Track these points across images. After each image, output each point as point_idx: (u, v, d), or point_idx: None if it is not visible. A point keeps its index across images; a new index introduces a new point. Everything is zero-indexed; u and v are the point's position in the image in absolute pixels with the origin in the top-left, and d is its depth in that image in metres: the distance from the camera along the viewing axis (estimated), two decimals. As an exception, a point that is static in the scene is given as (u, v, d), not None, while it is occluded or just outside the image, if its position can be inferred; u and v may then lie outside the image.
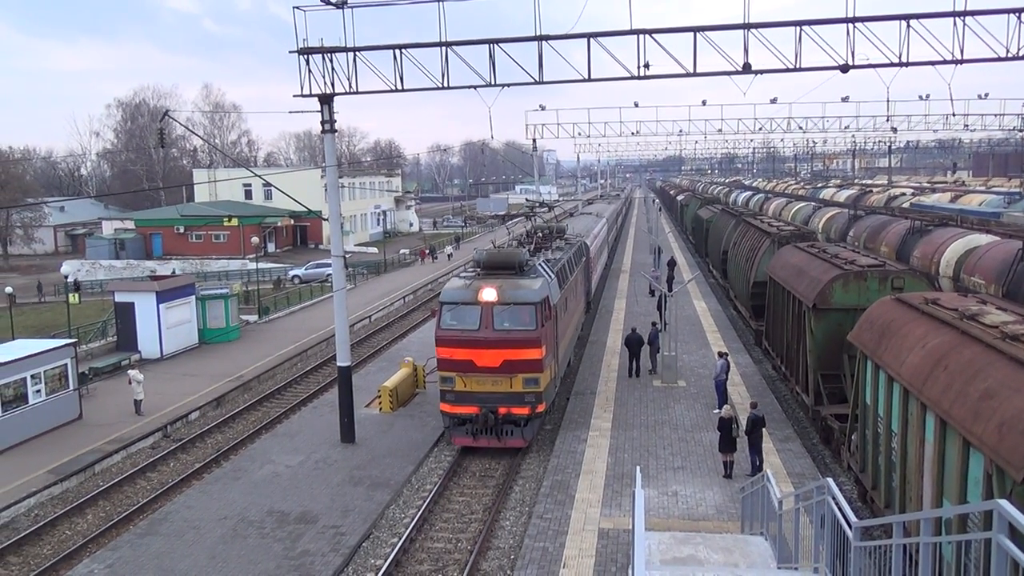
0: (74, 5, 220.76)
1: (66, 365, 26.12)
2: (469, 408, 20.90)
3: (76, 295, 43.35)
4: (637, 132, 70.12)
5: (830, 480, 10.33)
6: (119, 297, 35.78)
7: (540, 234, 31.79)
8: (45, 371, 25.18)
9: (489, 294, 20.82)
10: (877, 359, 15.05)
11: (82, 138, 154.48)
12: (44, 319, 47.76)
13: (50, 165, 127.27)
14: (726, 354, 25.93)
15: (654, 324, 30.22)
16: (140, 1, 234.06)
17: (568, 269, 28.34)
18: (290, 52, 22.05)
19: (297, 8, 21.53)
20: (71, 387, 26.28)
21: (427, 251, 75.10)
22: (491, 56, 21.41)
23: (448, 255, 74.94)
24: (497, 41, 21.35)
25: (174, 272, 59.13)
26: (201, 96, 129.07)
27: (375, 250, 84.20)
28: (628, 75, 21.29)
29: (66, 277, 43.45)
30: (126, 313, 35.04)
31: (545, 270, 23.61)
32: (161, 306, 34.69)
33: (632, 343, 28.59)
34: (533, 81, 21.60)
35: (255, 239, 60.84)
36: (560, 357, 24.28)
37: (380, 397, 26.41)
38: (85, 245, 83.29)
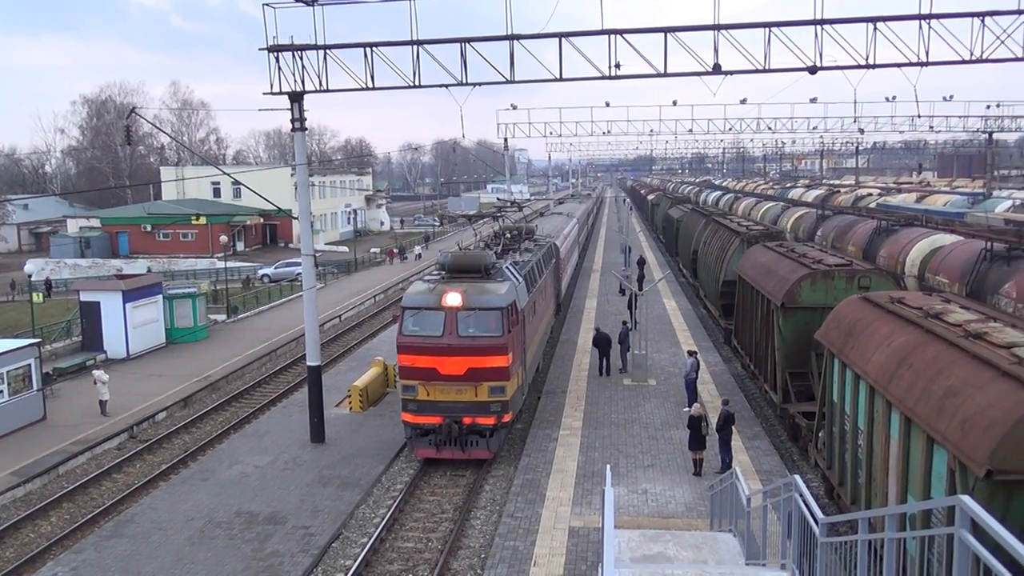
0: (39, 0, 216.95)
1: (30, 365, 25.67)
2: (432, 418, 20.04)
3: (40, 295, 42.59)
4: (608, 132, 70.34)
5: (797, 477, 10.43)
6: (84, 296, 35.24)
7: (508, 235, 31.18)
8: (8, 371, 24.74)
9: (453, 299, 19.99)
10: (844, 357, 15.22)
11: (47, 135, 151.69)
12: (7, 318, 46.88)
13: (13, 162, 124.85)
14: (696, 353, 26.09)
15: (624, 323, 30.34)
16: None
17: (537, 271, 27.52)
18: (260, 49, 21.86)
19: (267, 5, 21.35)
20: (35, 387, 25.84)
21: (396, 251, 73.98)
22: (463, 55, 21.37)
23: (417, 255, 73.81)
24: (469, 40, 21.31)
25: (149, 270, 58.43)
26: (169, 93, 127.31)
27: (345, 249, 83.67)
28: (599, 75, 21.36)
29: (30, 276, 42.64)
30: (91, 312, 34.53)
31: (512, 273, 22.73)
32: (127, 305, 34.22)
33: (600, 343, 28.71)
34: (505, 80, 21.59)
35: (224, 238, 60.15)
36: (528, 364, 23.47)
37: (350, 397, 26.26)
38: (49, 243, 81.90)
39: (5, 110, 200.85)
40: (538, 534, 16.45)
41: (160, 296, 36.74)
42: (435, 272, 22.47)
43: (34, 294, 39.73)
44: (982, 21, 19.89)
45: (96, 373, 27.17)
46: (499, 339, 19.84)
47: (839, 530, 10.27)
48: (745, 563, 12.10)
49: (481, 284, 20.80)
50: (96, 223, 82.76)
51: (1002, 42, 19.95)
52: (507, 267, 22.97)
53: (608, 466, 15.30)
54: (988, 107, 69.90)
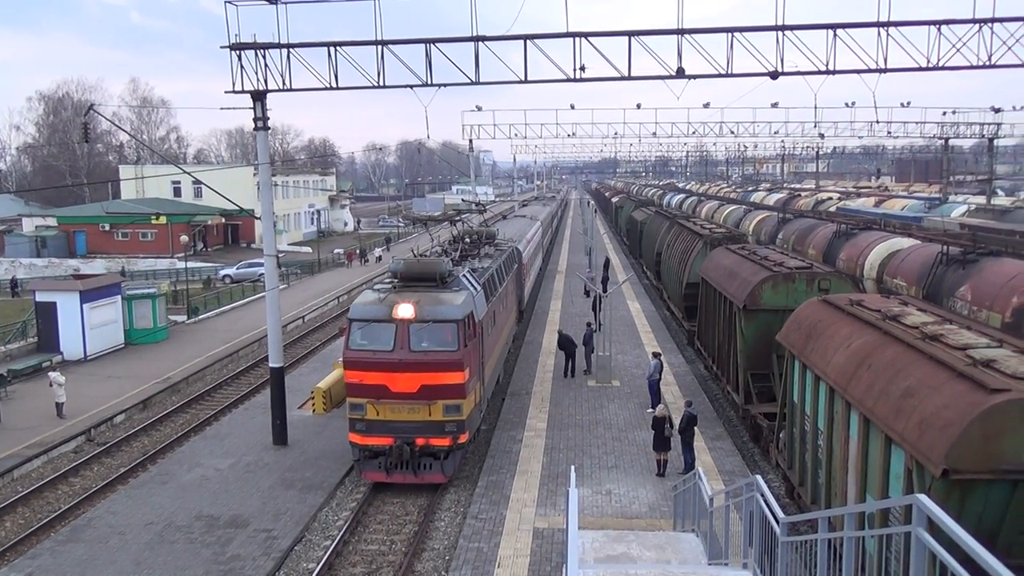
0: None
1: (-18, 367, 25.09)
2: (382, 439, 18.50)
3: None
4: (573, 134, 70.61)
5: (759, 477, 10.53)
6: (40, 296, 34.53)
7: (468, 240, 29.90)
8: (-41, 373, 24.16)
9: (405, 310, 18.44)
10: (804, 359, 15.41)
11: (1, 131, 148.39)
12: (-41, 319, 45.76)
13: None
14: (659, 354, 26.28)
15: (589, 324, 30.46)
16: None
17: (497, 278, 26.18)
18: (222, 47, 21.59)
19: (229, 2, 21.11)
20: (-12, 390, 25.26)
21: (355, 253, 72.50)
22: (428, 56, 21.31)
23: (378, 257, 71.86)
24: (434, 41, 21.26)
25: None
26: (128, 90, 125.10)
27: (309, 250, 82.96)
28: (564, 77, 21.41)
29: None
30: (47, 313, 33.83)
31: (470, 282, 21.33)
32: (85, 306, 33.59)
33: (564, 344, 28.79)
34: (470, 82, 21.57)
35: (184, 237, 59.34)
36: (487, 378, 22.06)
37: (313, 398, 25.93)
38: (4, 243, 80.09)
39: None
40: (502, 536, 16.44)
41: (119, 297, 36.13)
42: (387, 280, 20.86)
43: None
44: (939, 30, 20.29)
45: (52, 375, 26.62)
46: (455, 354, 18.37)
47: (799, 529, 10.40)
48: (708, 563, 12.20)
49: (436, 294, 19.33)
50: (52, 222, 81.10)
51: (958, 50, 20.37)
52: (464, 275, 21.52)
53: (572, 467, 15.37)
54: (944, 114, 71.37)
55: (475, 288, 21.21)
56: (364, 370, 18.55)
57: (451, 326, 18.52)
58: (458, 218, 32.36)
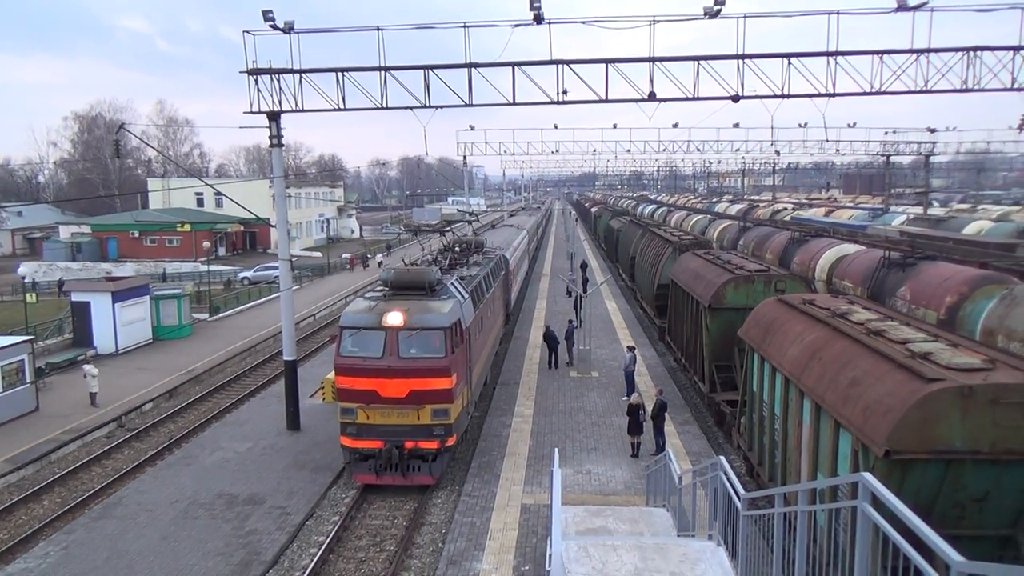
0: (29, 21, 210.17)
1: (23, 360, 24.88)
2: (372, 442, 17.54)
3: (33, 295, 41.29)
4: (556, 151, 70.64)
5: (722, 458, 10.57)
6: (75, 296, 34.28)
7: (458, 248, 28.68)
8: (2, 366, 23.95)
9: (394, 318, 17.41)
10: (763, 352, 15.47)
11: (40, 148, 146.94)
12: (1, 317, 45.34)
13: (8, 172, 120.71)
14: (634, 348, 26.31)
15: (570, 321, 30.49)
16: (95, 19, 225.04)
17: (485, 285, 24.99)
18: (240, 72, 21.50)
19: (247, 32, 21.06)
20: (28, 381, 25.05)
21: (357, 259, 70.73)
22: (426, 80, 21.29)
23: (379, 263, 69.21)
24: (431, 67, 21.24)
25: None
26: (156, 110, 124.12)
27: (319, 254, 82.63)
28: (548, 100, 21.45)
29: (23, 278, 41.37)
30: (82, 311, 33.61)
31: (458, 290, 20.29)
32: (116, 305, 33.40)
33: (549, 339, 28.81)
34: (464, 104, 21.56)
35: (207, 243, 59.07)
36: (474, 382, 21.06)
37: (323, 388, 25.82)
38: (42, 248, 79.46)
39: (0, 124, 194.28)
40: (493, 511, 16.43)
41: (147, 297, 35.92)
42: (378, 288, 19.98)
43: (27, 295, 38.56)
44: (881, 59, 20.45)
45: (86, 367, 26.44)
46: (442, 360, 17.30)
47: (758, 504, 10.43)
48: (677, 535, 12.24)
49: (424, 302, 18.33)
50: (87, 229, 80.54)
51: (897, 77, 20.54)
52: (452, 283, 20.45)
53: (556, 449, 15.38)
54: (886, 133, 71.84)
55: (462, 296, 20.21)
56: (355, 376, 17.43)
57: (439, 333, 17.45)
58: (447, 228, 30.87)
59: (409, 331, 17.39)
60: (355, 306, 18.59)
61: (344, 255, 76.77)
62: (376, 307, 18.05)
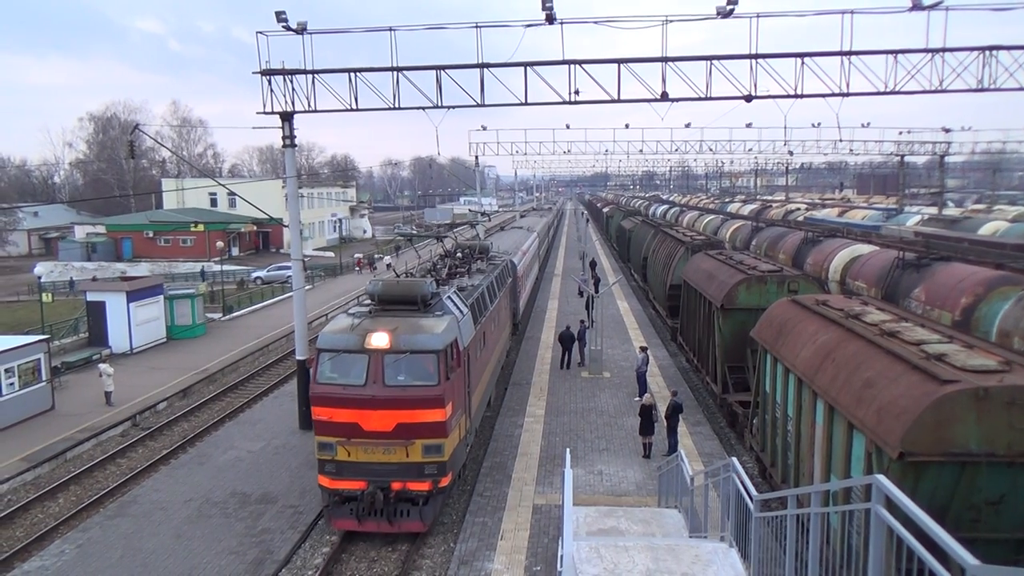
0: (44, 23, 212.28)
1: (39, 359, 25.11)
2: (354, 483, 15.04)
3: (49, 294, 41.67)
4: (568, 151, 70.65)
5: (734, 459, 10.53)
6: (91, 296, 34.56)
7: (460, 254, 26.60)
8: (18, 365, 24.17)
9: (379, 339, 15.00)
10: (775, 353, 15.40)
11: (55, 148, 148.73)
12: (18, 316, 45.77)
13: (24, 173, 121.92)
14: (646, 348, 26.26)
15: (582, 322, 30.47)
16: (108, 21, 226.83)
17: (488, 296, 22.78)
18: (253, 73, 21.62)
19: (260, 33, 21.18)
20: (43, 380, 25.28)
21: (364, 260, 68.07)
22: (438, 80, 21.34)
23: (387, 264, 64.27)
24: (444, 67, 21.28)
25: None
26: (170, 111, 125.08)
27: (331, 254, 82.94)
28: (560, 100, 21.45)
29: (39, 278, 41.77)
30: (97, 311, 33.89)
31: (455, 304, 17.94)
32: (131, 304, 33.66)
33: (564, 339, 28.79)
34: (476, 104, 21.59)
35: (220, 243, 59.38)
36: (474, 410, 18.76)
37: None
38: (58, 248, 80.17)
39: (16, 125, 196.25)
40: (505, 511, 16.44)
41: (161, 296, 36.18)
42: (364, 302, 17.63)
43: (43, 294, 38.89)
44: (895, 58, 20.32)
45: (101, 366, 26.65)
46: (435, 388, 14.94)
47: (771, 506, 10.40)
48: (689, 536, 12.21)
49: (416, 320, 15.92)
50: (101, 229, 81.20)
51: (912, 76, 20.41)
52: (450, 296, 18.11)
53: (567, 450, 15.34)
54: (900, 133, 71.36)
55: (461, 311, 17.88)
56: (334, 406, 15.05)
57: (430, 357, 15.08)
58: (445, 234, 27.68)
59: (396, 354, 14.99)
60: (335, 324, 16.20)
61: (356, 254, 76.86)
62: (359, 326, 15.57)
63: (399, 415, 14.86)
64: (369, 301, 17.17)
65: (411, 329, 15.44)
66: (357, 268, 66.94)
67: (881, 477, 6.06)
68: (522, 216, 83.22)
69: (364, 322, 15.75)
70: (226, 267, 59.16)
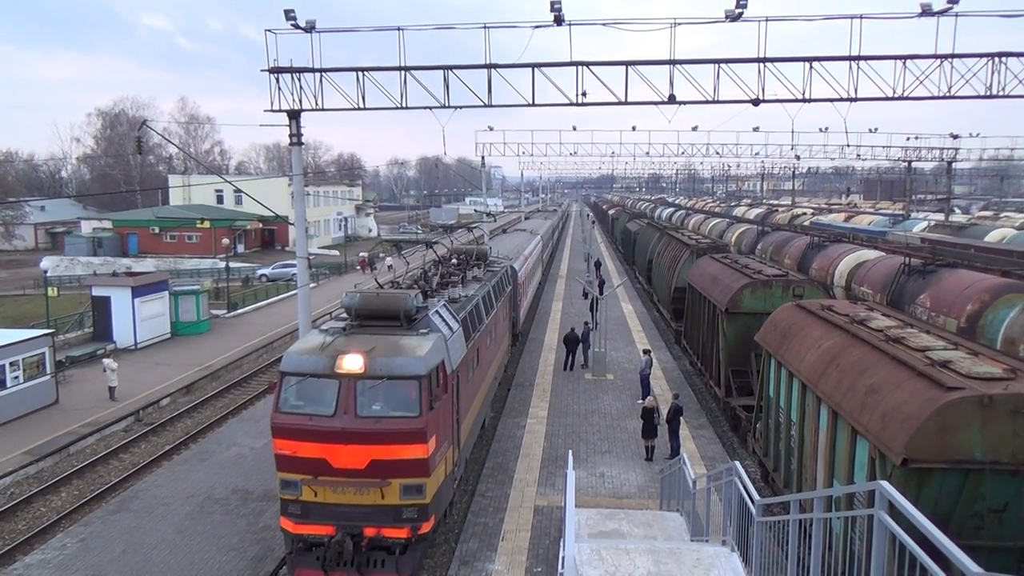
0: (52, 18, 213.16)
1: (43, 353, 25.21)
2: (321, 527, 12.94)
3: (55, 289, 41.81)
4: (575, 153, 70.63)
5: (737, 463, 10.51)
6: (96, 291, 34.67)
7: (455, 260, 24.60)
8: (23, 359, 24.28)
9: (352, 362, 12.95)
10: (780, 357, 15.37)
11: (63, 143, 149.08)
12: (24, 310, 45.96)
13: (31, 167, 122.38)
14: (650, 351, 26.24)
15: (586, 324, 30.45)
16: (116, 17, 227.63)
17: (485, 306, 20.87)
18: (261, 71, 21.67)
19: (269, 31, 21.22)
20: (48, 374, 25.37)
21: (366, 261, 64.22)
22: (445, 80, 21.36)
23: (388, 266, 59.32)
24: (451, 67, 21.31)
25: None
26: (177, 108, 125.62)
27: (336, 253, 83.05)
28: (568, 102, 21.44)
29: (45, 272, 41.95)
30: (102, 306, 34.01)
31: (444, 319, 15.77)
32: (136, 300, 33.77)
33: (569, 341, 28.77)
34: (483, 104, 21.61)
35: (225, 240, 59.49)
36: (464, 440, 16.53)
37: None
38: (64, 242, 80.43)
39: (24, 119, 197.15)
40: (506, 512, 16.43)
41: (166, 292, 36.28)
42: (341, 317, 15.55)
43: (49, 288, 39.04)
44: (904, 64, 20.28)
45: (106, 361, 26.74)
46: (416, 420, 12.89)
47: (773, 511, 10.37)
48: (690, 539, 12.18)
49: (396, 339, 13.83)
50: (108, 225, 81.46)
51: (921, 82, 20.36)
52: (438, 311, 15.80)
53: (570, 451, 15.35)
54: (908, 139, 71.13)
55: (450, 327, 15.81)
56: (298, 439, 13.02)
57: (411, 384, 13.02)
58: (436, 240, 24.89)
59: (372, 380, 12.93)
60: (303, 343, 14.16)
61: (361, 253, 76.70)
62: (329, 346, 13.47)
63: (374, 450, 12.79)
64: (345, 316, 15.13)
65: (390, 350, 13.37)
66: (359, 268, 64.17)
67: (884, 483, 6.04)
68: (526, 218, 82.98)
69: (337, 341, 13.67)
70: (232, 264, 59.23)
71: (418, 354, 13.32)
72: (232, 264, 58.91)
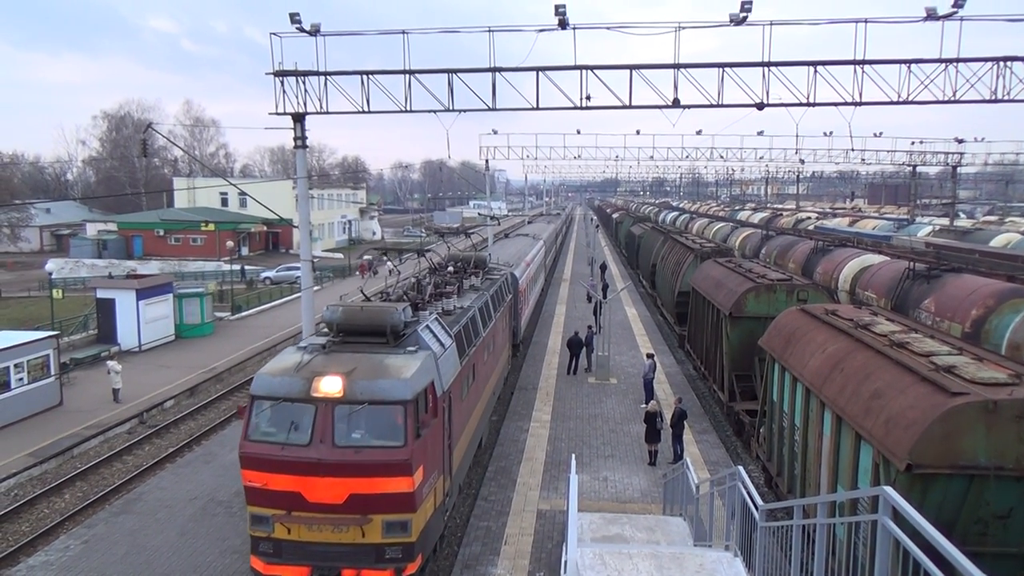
0: (58, 21, 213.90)
1: (48, 355, 25.27)
2: (295, 568, 11.87)
3: (60, 291, 41.91)
4: (579, 156, 70.48)
5: (740, 468, 10.48)
6: (100, 293, 34.77)
7: (452, 268, 23.10)
8: (28, 360, 24.33)
9: (330, 385, 11.76)
10: (783, 362, 15.34)
11: (69, 146, 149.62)
12: (28, 312, 46.07)
13: (37, 170, 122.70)
14: (653, 355, 26.21)
15: (590, 327, 30.43)
16: (122, 20, 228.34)
17: (482, 319, 19.67)
18: (266, 74, 21.73)
19: (274, 34, 21.29)
20: (52, 375, 25.42)
21: (367, 266, 61.79)
22: (450, 84, 21.42)
23: (389, 270, 60.00)
24: (456, 71, 21.35)
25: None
26: (183, 110, 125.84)
27: (340, 256, 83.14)
28: (572, 105, 21.47)
29: (50, 274, 42.10)
30: (107, 308, 34.09)
31: (435, 335, 14.51)
32: (140, 302, 33.85)
33: (573, 345, 28.75)
34: (487, 108, 21.65)
35: (230, 243, 59.58)
36: (456, 467, 15.20)
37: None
38: (69, 245, 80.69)
39: (30, 122, 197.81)
40: (509, 516, 16.41)
41: (170, 294, 36.35)
42: (322, 331, 14.34)
43: (54, 290, 39.13)
44: (909, 68, 20.26)
45: (110, 363, 26.79)
46: (400, 451, 11.62)
47: (777, 516, 10.34)
48: (693, 544, 12.15)
49: (380, 358, 12.58)
50: (113, 227, 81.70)
51: (926, 86, 20.33)
52: (428, 325, 14.52)
53: (573, 456, 15.33)
54: (912, 143, 70.96)
55: (442, 343, 14.57)
56: (270, 470, 11.75)
57: (396, 409, 11.76)
58: (428, 248, 22.83)
59: (352, 404, 11.70)
60: (277, 362, 12.85)
61: (365, 257, 76.50)
62: (305, 367, 12.26)
63: (353, 483, 11.54)
64: (327, 331, 13.92)
65: (373, 371, 12.13)
66: (360, 275, 60.69)
67: (888, 488, 6.02)
68: (529, 222, 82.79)
69: (314, 360, 12.42)
70: (236, 266, 59.41)
71: (404, 376, 12.07)
72: (236, 266, 59.06)
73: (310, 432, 11.65)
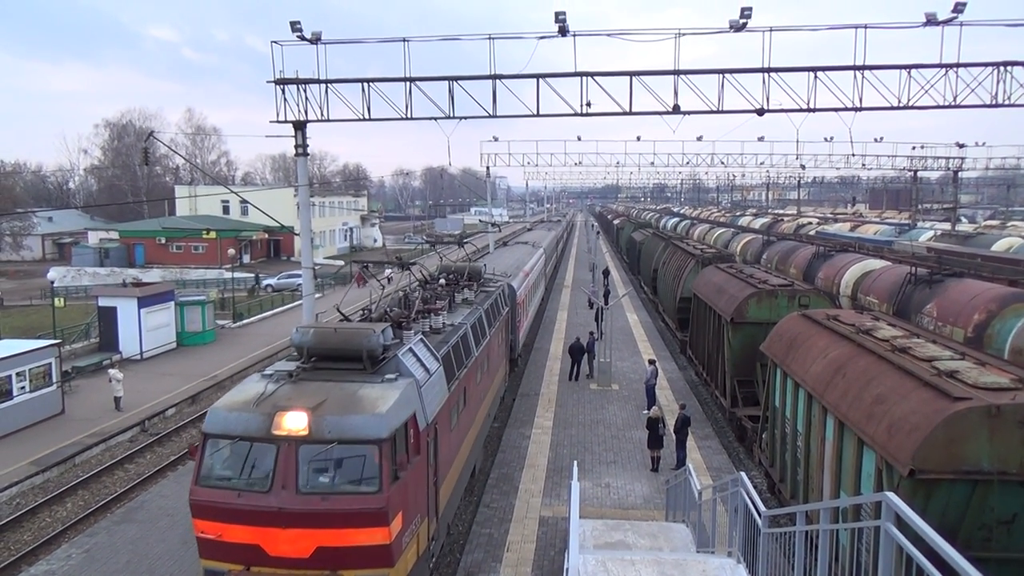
0: (60, 29, 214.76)
1: (50, 364, 25.28)
2: None
3: (61, 299, 41.97)
4: (579, 163, 70.72)
5: (743, 474, 10.47)
6: (102, 301, 34.81)
7: (443, 280, 21.52)
8: (29, 369, 24.35)
9: (294, 421, 10.20)
10: (785, 367, 15.32)
11: (71, 154, 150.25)
12: (31, 321, 46.12)
13: (39, 178, 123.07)
14: (655, 361, 26.18)
15: (591, 333, 30.41)
16: (123, 29, 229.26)
17: (475, 336, 18.07)
18: (267, 82, 21.83)
19: (275, 42, 21.39)
20: (54, 384, 25.43)
21: (361, 275, 56.29)
22: (450, 91, 21.47)
23: (387, 278, 55.74)
24: (456, 78, 21.41)
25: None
26: (184, 119, 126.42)
27: (342, 263, 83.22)
28: (572, 112, 21.53)
29: (52, 282, 42.14)
30: (108, 316, 34.12)
31: (419, 358, 12.90)
32: (142, 310, 33.88)
33: (574, 351, 28.73)
34: (488, 115, 21.72)
35: (231, 251, 59.62)
36: (443, 507, 13.54)
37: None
38: (71, 253, 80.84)
39: (32, 131, 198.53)
40: (511, 522, 16.37)
41: (172, 302, 36.38)
42: (292, 356, 12.67)
43: (56, 299, 39.17)
44: (909, 73, 20.30)
45: (112, 372, 26.81)
46: (375, 497, 10.05)
47: (779, 522, 10.31)
48: (696, 550, 12.12)
49: (354, 388, 10.99)
50: (115, 235, 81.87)
51: (926, 91, 20.38)
52: (412, 348, 12.94)
53: (575, 462, 15.30)
54: (913, 148, 71.03)
55: (427, 368, 12.95)
56: (225, 520, 10.21)
57: (370, 449, 10.18)
58: (412, 261, 20.14)
59: (318, 444, 10.11)
60: (235, 394, 11.11)
61: (367, 264, 76.23)
62: (266, 399, 10.65)
63: (320, 535, 10.03)
64: (296, 355, 12.35)
65: (344, 405, 10.54)
66: (357, 285, 57.34)
67: (891, 494, 6.01)
68: (529, 229, 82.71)
69: (278, 392, 10.82)
70: (238, 274, 59.42)
71: (379, 409, 10.44)
72: (238, 274, 59.10)
73: (271, 476, 10.08)
